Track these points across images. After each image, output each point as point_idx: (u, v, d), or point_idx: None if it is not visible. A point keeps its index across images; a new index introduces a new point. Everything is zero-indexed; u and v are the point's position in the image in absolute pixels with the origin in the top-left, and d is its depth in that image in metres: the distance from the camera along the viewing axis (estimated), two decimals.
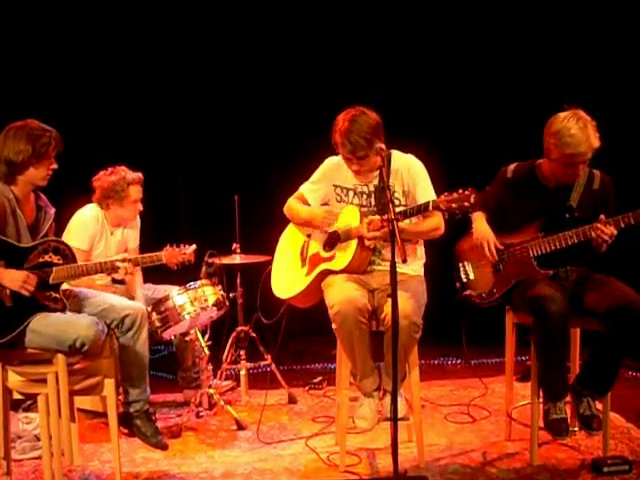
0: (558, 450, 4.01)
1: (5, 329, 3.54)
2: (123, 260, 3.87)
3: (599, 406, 3.83)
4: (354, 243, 3.86)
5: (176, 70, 6.10)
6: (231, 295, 4.89)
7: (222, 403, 4.63)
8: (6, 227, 3.58)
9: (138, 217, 4.89)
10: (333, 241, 3.98)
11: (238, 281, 5.06)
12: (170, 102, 6.09)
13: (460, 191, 3.58)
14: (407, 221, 3.83)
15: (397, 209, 3.70)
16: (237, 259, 4.95)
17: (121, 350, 3.81)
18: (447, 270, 4.15)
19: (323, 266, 3.96)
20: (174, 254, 4.05)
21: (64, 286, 3.74)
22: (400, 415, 3.60)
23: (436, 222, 3.89)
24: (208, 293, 4.53)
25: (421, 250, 4.05)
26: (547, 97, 4.34)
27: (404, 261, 3.29)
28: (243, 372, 5.03)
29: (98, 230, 4.68)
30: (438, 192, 3.81)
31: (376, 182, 3.92)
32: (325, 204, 4.10)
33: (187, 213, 6.39)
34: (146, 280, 4.84)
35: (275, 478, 3.85)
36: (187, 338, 4.75)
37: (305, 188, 4.13)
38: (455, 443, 4.20)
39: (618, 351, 3.69)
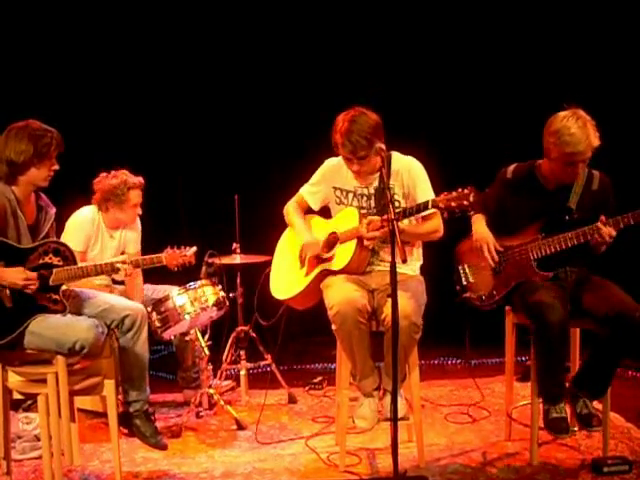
0: (558, 450, 4.01)
1: (5, 330, 3.55)
2: (123, 262, 3.87)
3: (598, 406, 3.83)
4: (353, 243, 3.85)
5: (176, 71, 6.10)
6: (231, 295, 4.89)
7: (222, 403, 4.63)
8: (6, 228, 3.59)
9: (139, 222, 4.89)
10: (332, 242, 3.98)
11: (238, 281, 5.07)
12: (170, 102, 6.09)
13: (459, 190, 3.57)
14: (407, 222, 3.82)
15: (397, 210, 3.70)
16: (237, 259, 4.96)
17: (121, 350, 3.81)
18: (447, 271, 4.15)
19: (322, 267, 3.96)
20: (174, 256, 4.06)
21: (64, 286, 3.74)
22: (400, 415, 3.60)
23: (435, 224, 3.89)
24: (208, 293, 4.53)
25: (419, 252, 4.05)
26: (547, 97, 4.33)
27: (404, 261, 3.29)
28: (243, 372, 5.03)
29: (93, 232, 4.69)
30: (438, 193, 3.79)
31: (376, 184, 3.92)
32: (325, 206, 4.11)
33: (187, 213, 6.40)
34: (146, 280, 4.84)
35: (275, 478, 3.86)
36: (187, 338, 4.75)
37: (305, 190, 4.13)
38: (455, 443, 4.20)
39: (614, 355, 3.71)
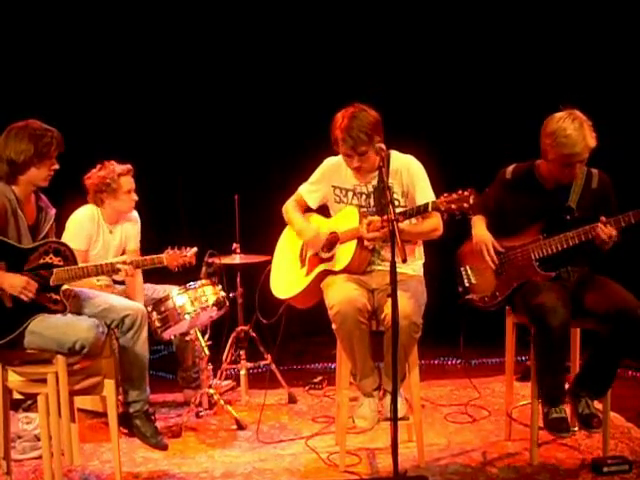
0: (558, 450, 4.01)
1: (5, 330, 3.55)
2: (124, 262, 3.87)
3: (599, 406, 3.83)
4: (353, 244, 3.85)
5: (176, 70, 6.09)
6: (231, 295, 4.90)
7: (222, 403, 4.63)
8: (7, 227, 3.59)
9: (138, 218, 4.89)
10: (332, 241, 3.98)
11: (238, 281, 5.07)
12: (170, 102, 6.09)
13: (459, 192, 3.58)
14: (406, 222, 3.82)
15: (396, 210, 3.70)
16: (237, 259, 4.96)
17: (121, 350, 3.82)
18: (447, 271, 4.15)
19: (322, 266, 3.96)
20: (175, 256, 4.06)
21: (64, 286, 3.74)
22: (400, 415, 3.59)
23: (435, 223, 3.88)
24: (208, 293, 4.53)
25: (420, 250, 4.05)
26: (546, 97, 4.33)
27: (404, 261, 3.30)
28: (243, 372, 5.03)
29: (94, 229, 4.69)
30: (437, 193, 3.80)
31: (375, 183, 3.92)
32: (324, 205, 4.11)
33: (187, 213, 6.39)
34: (146, 280, 4.84)
35: (275, 478, 3.86)
36: (187, 338, 4.75)
37: (304, 189, 4.13)
38: (455, 443, 4.20)
39: (616, 353, 3.70)
